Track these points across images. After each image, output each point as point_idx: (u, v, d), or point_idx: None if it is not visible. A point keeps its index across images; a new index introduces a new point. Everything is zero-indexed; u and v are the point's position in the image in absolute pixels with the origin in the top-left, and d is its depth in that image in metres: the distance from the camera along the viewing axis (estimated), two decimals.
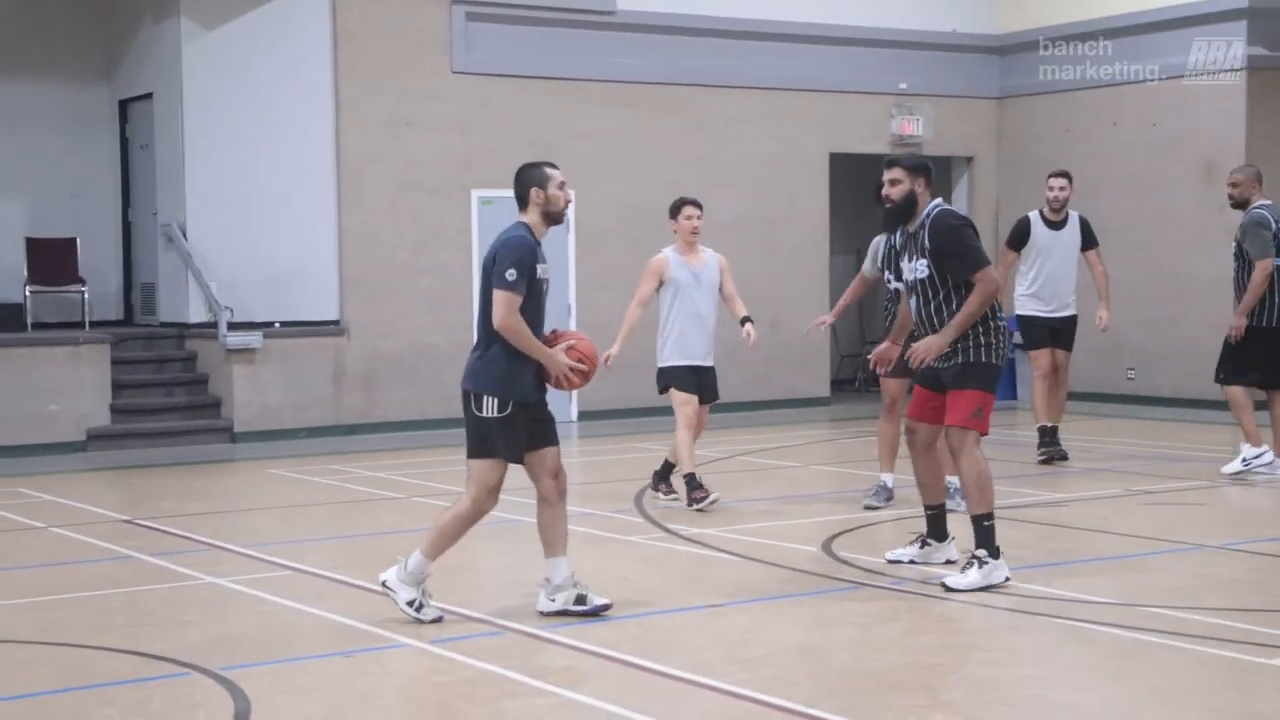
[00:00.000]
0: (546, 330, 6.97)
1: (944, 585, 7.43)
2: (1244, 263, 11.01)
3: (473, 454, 6.88)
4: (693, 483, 10.02)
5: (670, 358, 10.19)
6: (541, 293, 6.88)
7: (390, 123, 15.47)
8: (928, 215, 7.60)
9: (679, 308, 10.15)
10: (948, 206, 7.74)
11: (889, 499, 10.00)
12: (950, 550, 8.00)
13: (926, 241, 7.54)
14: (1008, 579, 7.44)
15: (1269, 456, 11.06)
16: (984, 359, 7.49)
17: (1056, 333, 12.18)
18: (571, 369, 6.89)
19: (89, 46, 16.43)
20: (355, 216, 15.37)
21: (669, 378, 10.20)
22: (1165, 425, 15.00)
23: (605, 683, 6.01)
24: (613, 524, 9.66)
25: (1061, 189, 12.06)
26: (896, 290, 9.73)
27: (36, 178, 16.19)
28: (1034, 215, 12.20)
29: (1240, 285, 11.07)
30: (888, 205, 7.69)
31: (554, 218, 6.97)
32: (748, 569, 8.16)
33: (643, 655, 6.30)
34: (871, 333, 17.19)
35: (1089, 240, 12.23)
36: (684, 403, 10.09)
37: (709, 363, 10.25)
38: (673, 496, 10.39)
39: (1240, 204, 11.15)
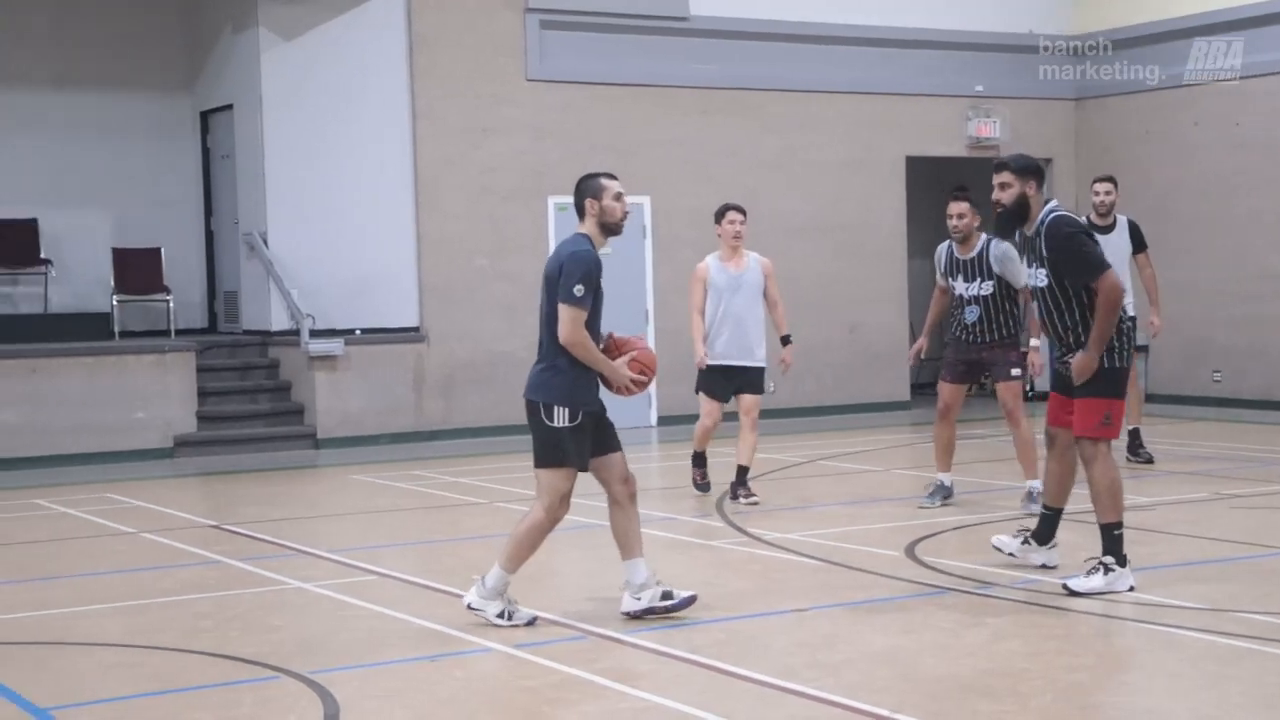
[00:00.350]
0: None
1: (1065, 587, 7.34)
2: None
3: (542, 464, 6.90)
4: (697, 460, 10.86)
5: (708, 359, 10.45)
6: (600, 303, 6.91)
7: (466, 129, 15.57)
8: (1042, 222, 7.43)
9: (717, 311, 10.45)
10: (1062, 212, 7.53)
11: (947, 497, 10.12)
12: (1051, 556, 7.88)
13: (1044, 250, 7.38)
14: (1132, 588, 7.32)
15: None
16: (1106, 363, 7.35)
17: None
18: (633, 380, 6.95)
19: (171, 59, 16.67)
20: (433, 223, 15.49)
21: (699, 379, 10.58)
22: (1253, 428, 14.76)
23: (689, 687, 6.01)
24: (695, 528, 9.68)
25: (1108, 193, 11.98)
26: (960, 296, 9.77)
27: (121, 189, 16.44)
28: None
29: None
30: (998, 210, 7.56)
31: (610, 229, 6.95)
32: (831, 573, 8.13)
33: (727, 660, 6.29)
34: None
35: (1139, 244, 12.11)
36: (707, 412, 10.58)
37: (751, 363, 10.50)
38: (751, 500, 10.41)
39: None
